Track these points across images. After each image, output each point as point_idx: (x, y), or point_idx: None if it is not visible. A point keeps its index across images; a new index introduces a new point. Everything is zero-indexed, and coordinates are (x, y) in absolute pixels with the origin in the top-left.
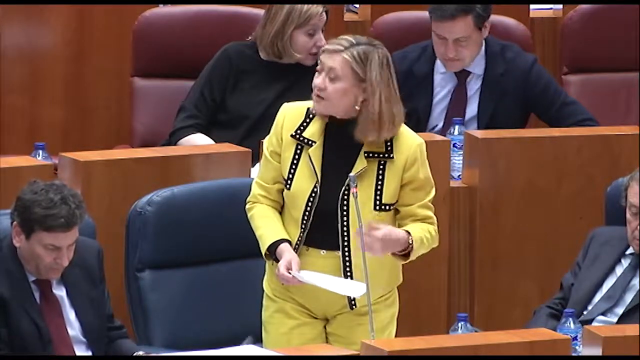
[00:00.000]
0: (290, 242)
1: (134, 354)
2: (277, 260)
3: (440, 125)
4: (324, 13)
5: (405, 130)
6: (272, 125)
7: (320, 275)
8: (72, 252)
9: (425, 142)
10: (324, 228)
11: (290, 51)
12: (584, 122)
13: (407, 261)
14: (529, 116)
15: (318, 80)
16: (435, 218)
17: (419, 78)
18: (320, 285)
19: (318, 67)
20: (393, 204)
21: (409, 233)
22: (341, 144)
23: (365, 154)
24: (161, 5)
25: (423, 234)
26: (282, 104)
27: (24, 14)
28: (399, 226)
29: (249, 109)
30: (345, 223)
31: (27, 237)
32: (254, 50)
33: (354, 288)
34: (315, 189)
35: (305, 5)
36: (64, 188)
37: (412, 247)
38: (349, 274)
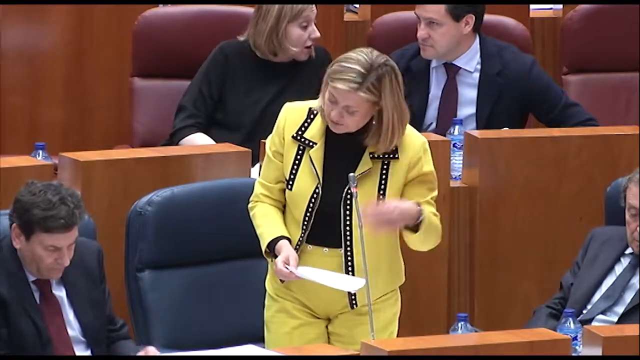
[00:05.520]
0: (290, 240)
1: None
2: (276, 257)
3: (434, 122)
4: (314, 5)
5: (408, 130)
6: (270, 125)
7: (318, 271)
8: (73, 251)
9: None
10: (325, 228)
11: (286, 46)
12: (587, 123)
13: (416, 236)
14: (527, 117)
15: (333, 113)
16: (439, 215)
17: (416, 74)
18: (317, 281)
19: (328, 97)
20: None
21: (418, 204)
22: (343, 144)
23: (370, 155)
24: (161, 5)
25: (432, 216)
26: (280, 104)
27: (24, 14)
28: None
29: (247, 109)
30: (347, 223)
31: (27, 238)
32: (249, 49)
33: (352, 283)
34: (317, 190)
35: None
36: (61, 188)
37: (423, 218)
38: (350, 272)
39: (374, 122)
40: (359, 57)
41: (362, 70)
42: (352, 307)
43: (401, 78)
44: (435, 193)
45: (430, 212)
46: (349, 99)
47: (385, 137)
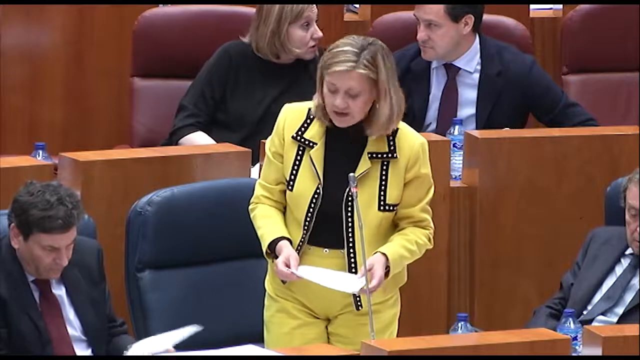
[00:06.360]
0: (290, 240)
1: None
2: (277, 258)
3: (434, 122)
4: (314, 5)
5: (407, 130)
6: (272, 126)
7: (318, 271)
8: (71, 251)
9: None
10: (326, 228)
11: (289, 47)
12: (587, 123)
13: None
14: (527, 116)
15: (337, 101)
16: (431, 221)
17: (416, 74)
18: (317, 282)
19: (330, 88)
20: (398, 205)
21: (385, 256)
22: (343, 144)
23: (369, 155)
24: (161, 5)
25: (404, 250)
26: (281, 104)
27: (24, 14)
28: (396, 226)
29: (249, 110)
30: (350, 223)
31: (25, 238)
32: (252, 50)
33: (353, 283)
34: (317, 191)
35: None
36: (60, 188)
37: (389, 268)
38: (354, 272)
39: (374, 112)
40: (347, 41)
41: (355, 50)
42: (357, 309)
43: (392, 57)
44: (431, 196)
45: (400, 248)
46: (350, 80)
47: (385, 118)
